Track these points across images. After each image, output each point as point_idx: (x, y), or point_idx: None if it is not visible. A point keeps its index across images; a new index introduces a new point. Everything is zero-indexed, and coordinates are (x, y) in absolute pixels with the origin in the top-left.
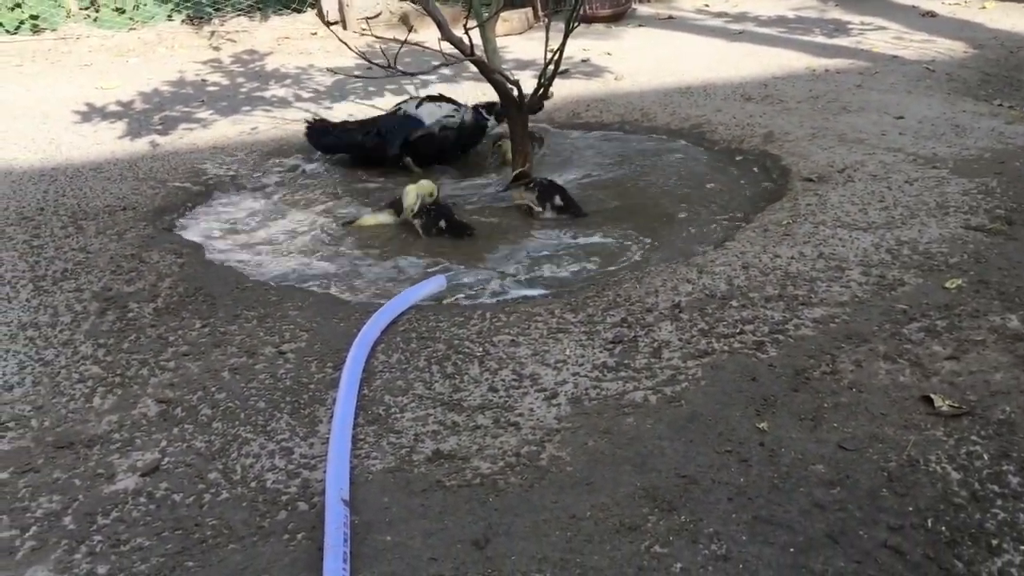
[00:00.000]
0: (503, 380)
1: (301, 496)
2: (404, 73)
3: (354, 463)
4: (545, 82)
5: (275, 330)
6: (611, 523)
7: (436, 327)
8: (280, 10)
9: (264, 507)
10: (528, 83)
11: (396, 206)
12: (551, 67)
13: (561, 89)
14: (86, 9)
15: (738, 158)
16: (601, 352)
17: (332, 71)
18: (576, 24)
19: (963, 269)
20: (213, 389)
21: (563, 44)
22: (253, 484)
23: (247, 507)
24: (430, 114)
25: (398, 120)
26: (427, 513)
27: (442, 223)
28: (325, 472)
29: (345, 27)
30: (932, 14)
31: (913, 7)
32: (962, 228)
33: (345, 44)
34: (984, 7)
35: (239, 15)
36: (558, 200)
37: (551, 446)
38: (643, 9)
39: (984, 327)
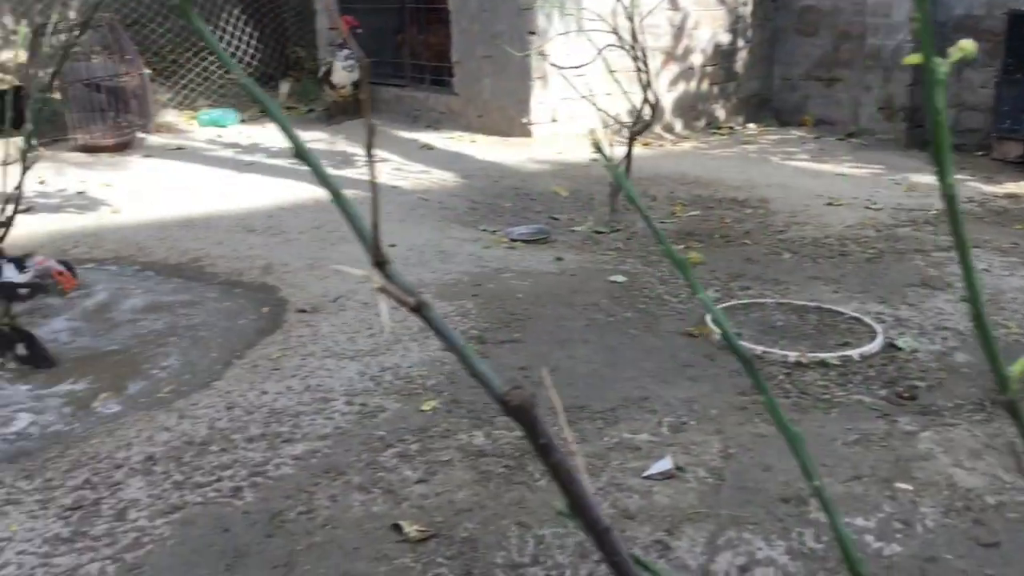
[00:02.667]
0: None
1: None
2: None
3: None
4: (4, 220)
5: None
6: None
7: None
8: None
9: None
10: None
11: None
12: (12, 202)
13: (49, 224)
14: None
15: (236, 291)
16: (55, 522)
17: None
18: (36, 159)
19: (439, 390)
20: None
21: (22, 179)
22: None
23: None
24: None
25: None
26: None
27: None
28: None
29: None
30: (430, 147)
31: (414, 140)
32: (439, 351)
33: None
34: (474, 141)
35: None
36: (21, 350)
37: None
38: (152, 139)
39: (452, 446)
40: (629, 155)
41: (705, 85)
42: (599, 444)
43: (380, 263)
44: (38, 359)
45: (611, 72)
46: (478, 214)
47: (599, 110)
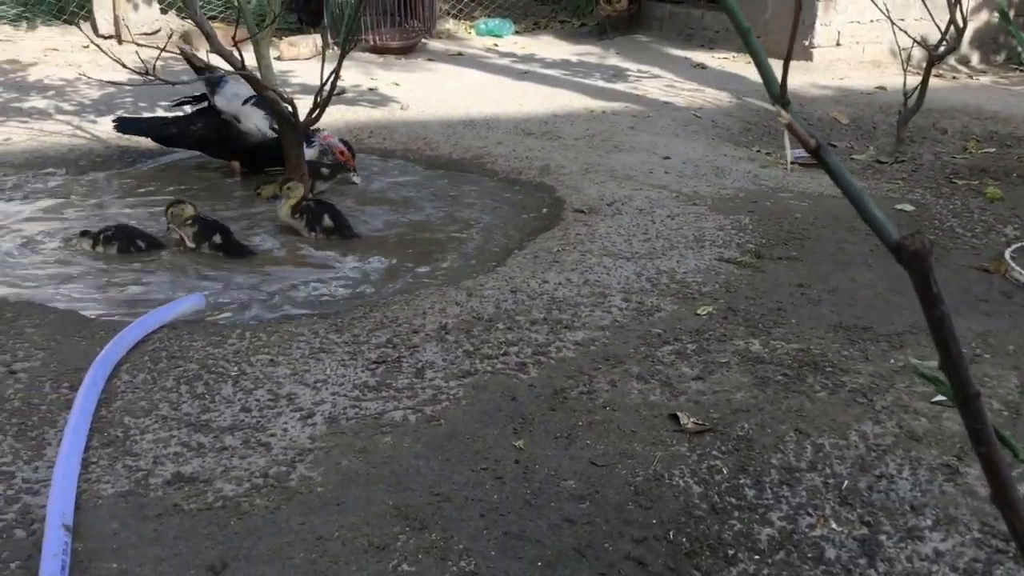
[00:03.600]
0: (257, 400)
1: (19, 523)
2: (164, 82)
3: (83, 487)
4: (320, 101)
5: (7, 348)
6: (359, 543)
7: (189, 346)
8: (50, 20)
9: None
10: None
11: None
12: (327, 87)
13: (347, 115)
14: None
15: (515, 188)
16: (363, 372)
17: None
18: (351, 48)
19: (714, 298)
20: None
21: (338, 65)
22: None
23: None
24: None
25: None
26: (160, 538)
27: (216, 238)
28: (48, 497)
29: (120, 42)
30: (703, 66)
31: (686, 58)
32: (716, 260)
33: (109, 55)
34: (749, 62)
35: (3, 23)
36: (327, 220)
37: (302, 466)
38: (434, 44)
39: (729, 350)
40: (924, 82)
41: (1011, 15)
42: (884, 366)
43: (784, 103)
44: (343, 230)
45: None
46: (752, 135)
47: (900, 31)
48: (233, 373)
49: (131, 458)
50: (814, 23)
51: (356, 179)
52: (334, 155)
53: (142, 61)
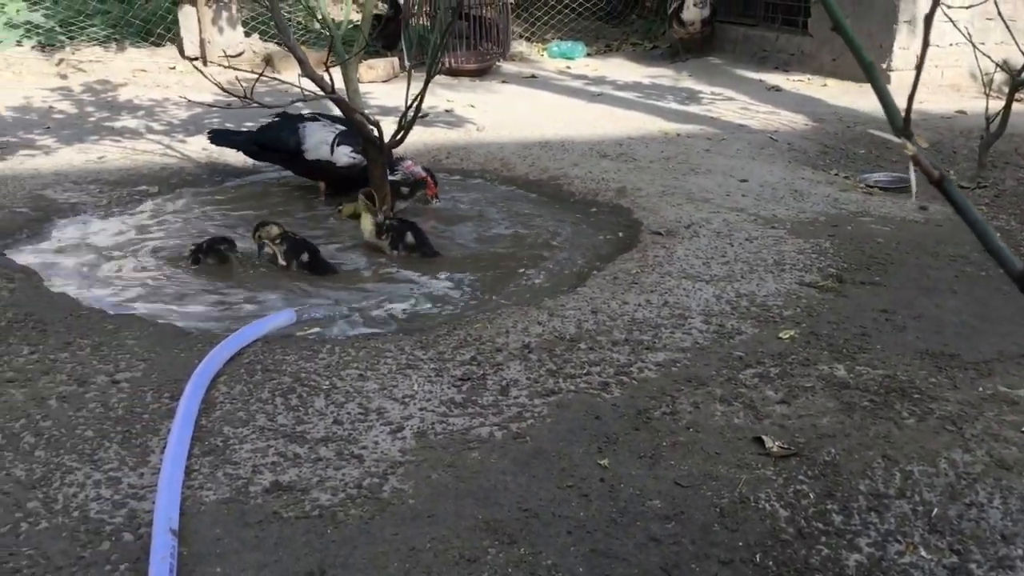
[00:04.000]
0: (348, 413)
1: (127, 527)
2: (261, 105)
3: (186, 494)
4: (405, 124)
5: (110, 359)
6: (451, 555)
7: (283, 360)
8: (138, 42)
9: (86, 537)
10: (390, 128)
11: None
12: (411, 110)
13: (424, 136)
14: None
15: (592, 210)
16: (449, 388)
17: (188, 100)
18: (436, 72)
19: (796, 321)
20: (38, 417)
21: (423, 91)
22: (75, 514)
23: (67, 537)
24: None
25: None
26: (261, 545)
27: (304, 256)
28: (154, 503)
29: (205, 63)
30: (777, 88)
31: (760, 81)
32: (796, 284)
33: (203, 74)
34: (825, 85)
35: (94, 45)
36: (409, 239)
37: (394, 478)
38: (507, 67)
39: (813, 375)
40: (1008, 107)
41: None
42: (972, 394)
43: (908, 135)
44: (424, 248)
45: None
46: (830, 158)
47: (982, 55)
48: (325, 387)
49: (231, 466)
50: (892, 46)
51: (437, 203)
52: (416, 182)
53: (240, 84)
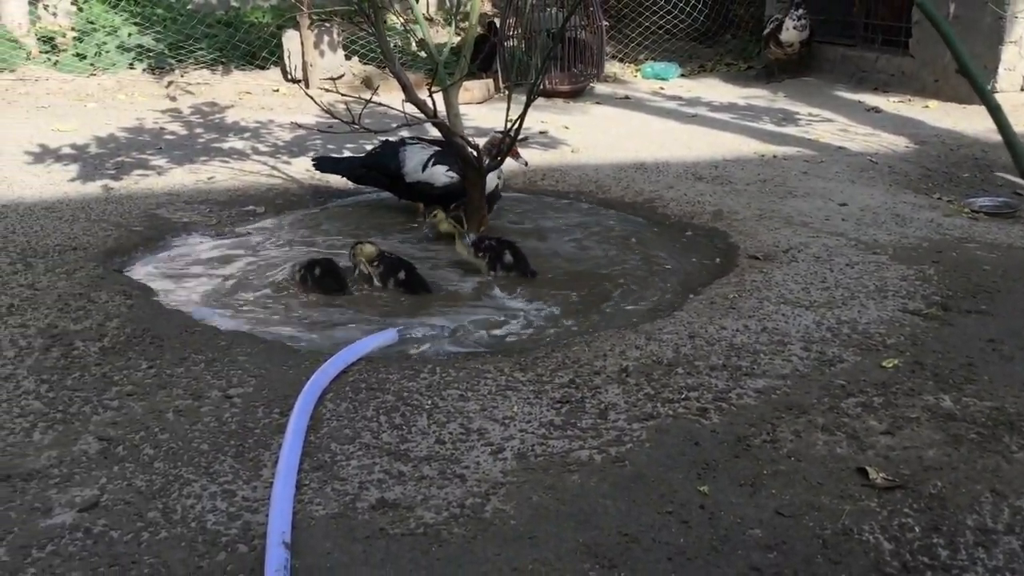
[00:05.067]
0: (450, 433)
1: (241, 538)
2: (367, 130)
3: (297, 508)
4: (504, 147)
5: (222, 374)
6: None
7: (386, 379)
8: (243, 65)
9: (203, 547)
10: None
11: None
12: (511, 132)
13: None
14: (47, 52)
15: (688, 233)
16: (548, 411)
17: (296, 125)
18: (535, 96)
19: (900, 350)
20: (156, 429)
21: (524, 113)
22: (193, 524)
23: (186, 547)
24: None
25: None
26: (369, 560)
27: (401, 275)
28: (267, 515)
29: (308, 86)
30: (877, 110)
31: (859, 102)
32: (899, 311)
33: (311, 98)
34: (927, 106)
35: (201, 68)
36: (508, 258)
37: (496, 499)
38: (601, 88)
39: (919, 405)
40: None
41: None
42: None
43: None
44: (522, 268)
45: None
46: (932, 182)
47: None
48: (427, 406)
49: (339, 482)
50: (997, 67)
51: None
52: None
53: (346, 107)
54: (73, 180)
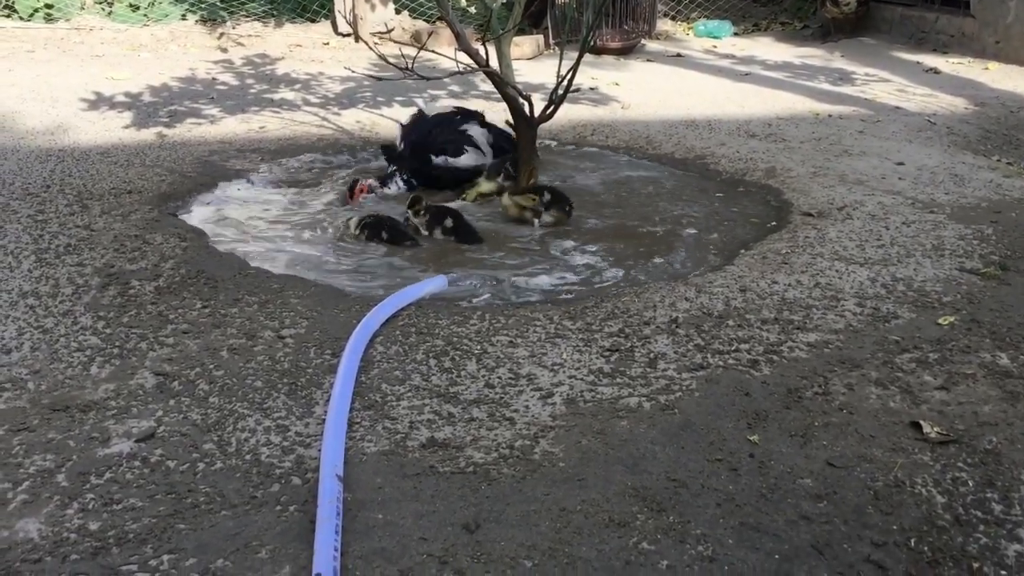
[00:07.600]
0: (500, 377)
1: (295, 471)
2: (420, 76)
3: (349, 444)
4: (556, 99)
5: (275, 316)
6: (600, 518)
7: (435, 324)
8: (294, 18)
9: (258, 479)
10: (537, 104)
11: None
12: (562, 87)
13: (570, 113)
14: (101, 3)
15: (740, 189)
16: (598, 359)
17: (348, 70)
18: (586, 50)
19: (956, 308)
20: (211, 366)
21: (575, 67)
22: (248, 457)
23: (240, 478)
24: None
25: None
26: (419, 496)
27: (448, 222)
28: (320, 450)
29: (357, 39)
30: (935, 71)
31: (917, 63)
32: (956, 270)
33: (365, 43)
34: (987, 68)
35: (253, 20)
36: (554, 211)
37: (545, 442)
38: (652, 45)
39: (975, 362)
40: None
41: None
42: None
43: None
44: (566, 213)
45: None
46: (992, 143)
47: None
48: (476, 351)
49: (389, 421)
50: None
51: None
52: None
53: (400, 58)
54: (127, 127)
